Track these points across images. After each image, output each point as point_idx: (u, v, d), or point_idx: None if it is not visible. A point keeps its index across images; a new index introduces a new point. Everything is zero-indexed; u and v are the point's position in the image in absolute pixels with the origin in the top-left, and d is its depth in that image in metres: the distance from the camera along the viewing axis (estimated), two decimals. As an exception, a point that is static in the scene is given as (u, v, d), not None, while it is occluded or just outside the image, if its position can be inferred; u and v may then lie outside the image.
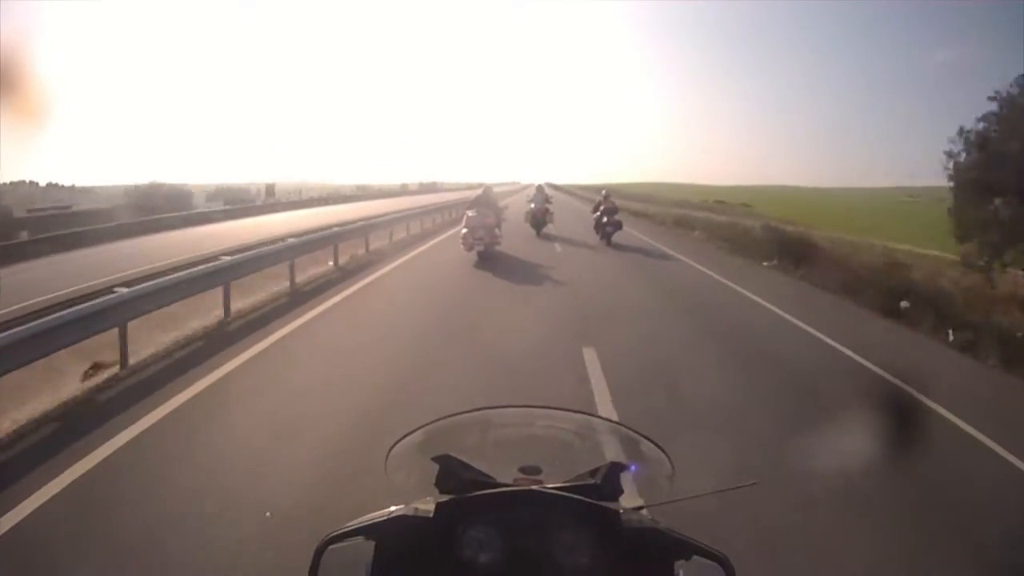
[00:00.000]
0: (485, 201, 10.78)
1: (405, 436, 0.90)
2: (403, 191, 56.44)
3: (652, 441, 0.90)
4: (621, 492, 0.80)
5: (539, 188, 16.03)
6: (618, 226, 13.88)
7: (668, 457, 0.88)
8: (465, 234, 10.25)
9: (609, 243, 13.55)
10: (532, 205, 15.24)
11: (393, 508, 0.77)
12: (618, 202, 15.33)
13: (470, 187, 44.20)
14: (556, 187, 79.72)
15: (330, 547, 0.73)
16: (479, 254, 10.10)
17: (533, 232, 14.57)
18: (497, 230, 10.72)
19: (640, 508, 0.80)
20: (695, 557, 0.73)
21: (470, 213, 10.48)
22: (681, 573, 0.74)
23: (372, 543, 0.74)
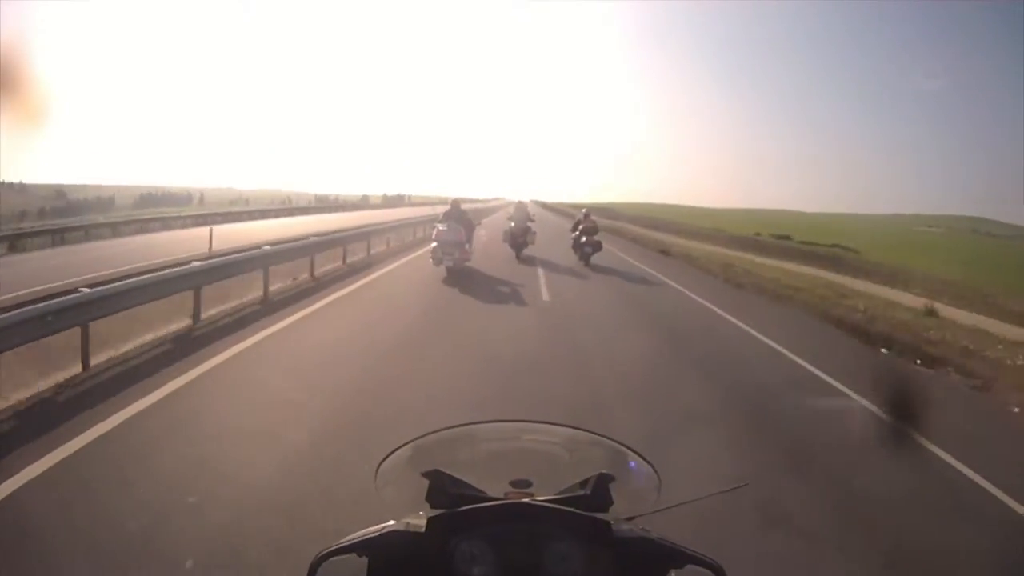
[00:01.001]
0: (455, 216, 11.47)
1: (393, 451, 0.99)
2: (364, 204, 56.24)
3: (638, 453, 1.00)
4: (611, 503, 0.89)
5: (519, 205, 15.62)
6: (597, 247, 14.34)
7: (654, 468, 0.98)
8: (434, 248, 10.95)
9: (587, 264, 14.02)
10: (512, 224, 14.65)
11: (385, 524, 0.85)
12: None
13: (443, 201, 44.75)
14: (544, 205, 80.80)
15: (324, 564, 0.81)
16: (448, 269, 10.88)
17: (513, 254, 14.26)
18: (467, 245, 11.33)
19: (631, 518, 0.89)
20: (688, 565, 0.82)
21: (440, 227, 11.24)
22: None
23: (365, 559, 0.81)
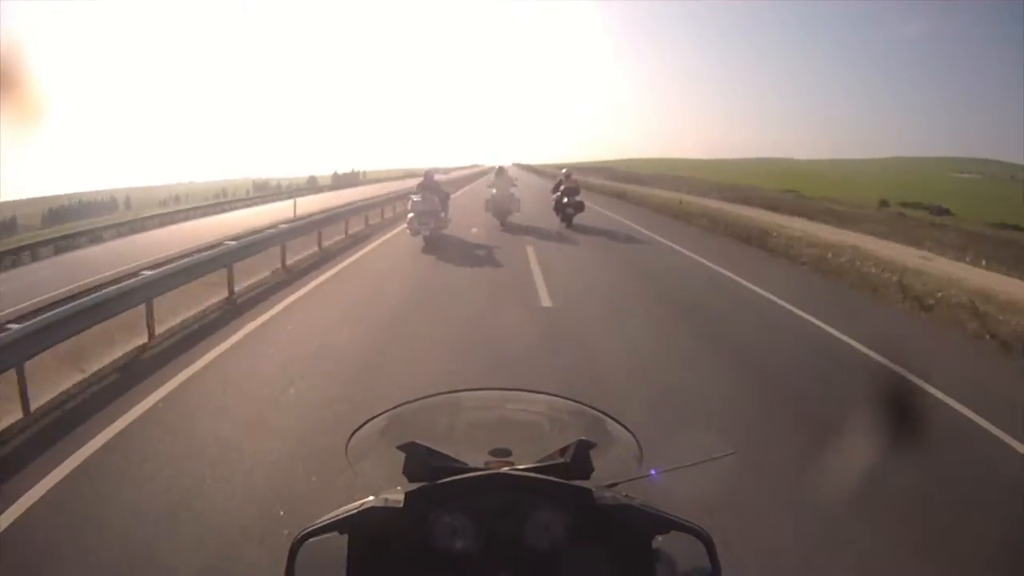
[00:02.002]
0: (429, 186, 12.64)
1: (365, 423, 1.02)
2: (311, 186, 52.64)
3: (618, 421, 1.05)
4: (592, 470, 0.93)
5: (500, 170, 16.05)
6: (579, 207, 15.19)
7: (635, 437, 1.03)
8: (411, 219, 12.23)
9: (570, 225, 14.87)
10: (493, 191, 15.21)
11: (364, 500, 0.90)
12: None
13: (412, 174, 43.22)
14: (528, 168, 79.18)
15: (304, 543, 0.86)
16: (425, 239, 11.90)
17: (497, 224, 14.73)
18: (443, 214, 12.63)
19: (612, 485, 0.93)
20: (673, 532, 0.87)
21: (415, 198, 12.39)
22: (660, 547, 0.88)
23: (345, 537, 0.86)
